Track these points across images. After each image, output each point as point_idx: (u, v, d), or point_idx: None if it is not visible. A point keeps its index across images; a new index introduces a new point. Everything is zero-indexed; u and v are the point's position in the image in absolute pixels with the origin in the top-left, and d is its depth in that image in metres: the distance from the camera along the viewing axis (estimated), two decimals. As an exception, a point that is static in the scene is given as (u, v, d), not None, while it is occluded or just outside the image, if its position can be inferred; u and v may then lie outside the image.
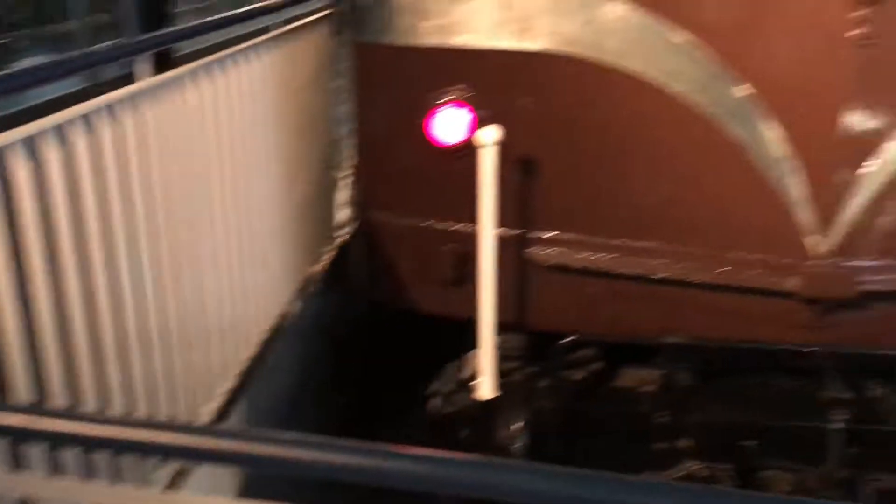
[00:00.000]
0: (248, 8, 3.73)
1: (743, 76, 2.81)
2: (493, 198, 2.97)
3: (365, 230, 3.67)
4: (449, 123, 3.18)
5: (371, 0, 3.31)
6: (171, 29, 3.86)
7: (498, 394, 3.13)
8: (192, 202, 2.81)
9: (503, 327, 3.25)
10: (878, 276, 2.90)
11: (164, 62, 3.04)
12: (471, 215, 3.05)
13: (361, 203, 3.71)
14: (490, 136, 2.92)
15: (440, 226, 3.35)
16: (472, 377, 3.35)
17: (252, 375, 3.31)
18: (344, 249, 4.25)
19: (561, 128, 3.08)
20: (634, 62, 2.91)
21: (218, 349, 3.04)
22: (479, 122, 3.09)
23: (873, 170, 2.80)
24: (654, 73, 2.90)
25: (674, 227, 3.06)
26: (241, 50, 3.18)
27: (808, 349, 2.98)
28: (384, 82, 3.41)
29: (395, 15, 3.21)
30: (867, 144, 2.78)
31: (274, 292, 3.71)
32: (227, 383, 3.08)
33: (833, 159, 2.80)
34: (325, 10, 4.15)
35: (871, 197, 2.82)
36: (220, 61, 2.98)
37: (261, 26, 4.27)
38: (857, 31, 2.64)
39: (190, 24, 3.61)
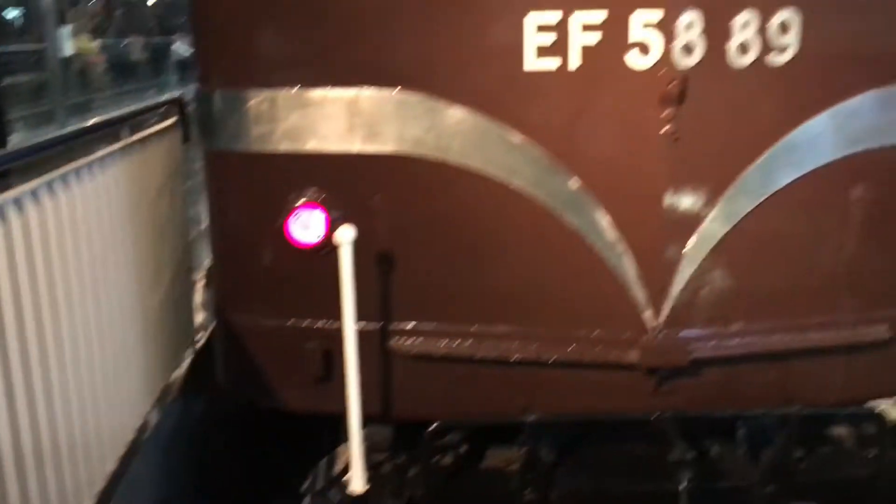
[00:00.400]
0: (89, 123, 3.74)
1: (573, 170, 3.09)
2: (352, 294, 3.09)
3: (227, 332, 3.67)
4: (305, 225, 3.28)
5: (221, 109, 3.40)
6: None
7: (369, 486, 3.18)
8: (41, 317, 2.77)
9: (371, 419, 3.32)
10: (707, 343, 3.20)
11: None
12: (333, 311, 3.15)
13: (222, 305, 3.72)
14: (346, 236, 3.05)
15: (303, 324, 3.41)
16: (344, 471, 3.39)
17: (112, 493, 3.21)
18: (205, 353, 4.21)
19: (415, 223, 3.25)
20: (477, 161, 3.14)
21: (73, 466, 2.95)
22: (334, 223, 3.23)
23: (693, 248, 3.12)
24: (496, 171, 3.13)
25: (525, 311, 3.27)
26: (86, 163, 3.19)
27: (653, 416, 3.22)
28: (240, 187, 3.48)
29: (246, 124, 3.32)
30: (685, 226, 3.10)
31: (133, 402, 3.63)
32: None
33: (658, 241, 3.10)
34: (173, 118, 4.22)
35: (694, 272, 3.14)
36: (64, 176, 2.99)
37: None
38: (666, 128, 2.99)
39: (24, 146, 3.61)
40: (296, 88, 3.23)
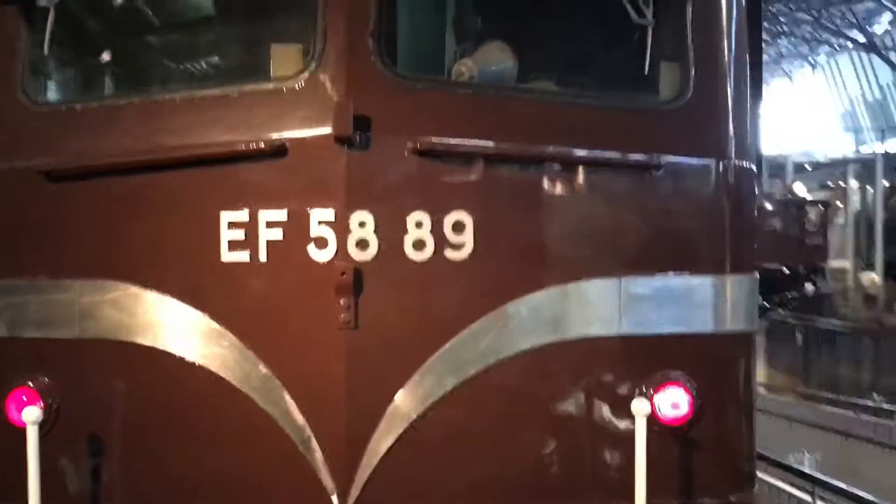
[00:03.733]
0: None
1: (262, 357, 3.22)
2: (36, 476, 3.12)
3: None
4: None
5: None
6: None
7: None
8: None
9: None
10: None
11: None
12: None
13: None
14: (30, 416, 3.14)
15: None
16: None
17: None
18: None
19: (113, 406, 3.35)
20: (176, 348, 3.29)
21: None
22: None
23: (378, 437, 3.19)
24: (196, 357, 3.28)
25: (225, 495, 3.28)
26: None
27: None
28: None
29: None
30: (368, 414, 3.19)
31: None
32: None
33: (341, 428, 3.17)
34: None
35: (380, 461, 3.18)
36: None
37: None
38: (342, 316, 3.16)
39: None
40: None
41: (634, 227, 3.45)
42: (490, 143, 3.30)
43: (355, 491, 3.17)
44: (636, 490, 3.14)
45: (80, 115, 3.54)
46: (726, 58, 3.70)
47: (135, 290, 3.33)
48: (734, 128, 3.69)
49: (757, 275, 3.81)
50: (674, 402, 3.40)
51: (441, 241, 3.24)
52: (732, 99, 3.72)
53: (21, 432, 3.31)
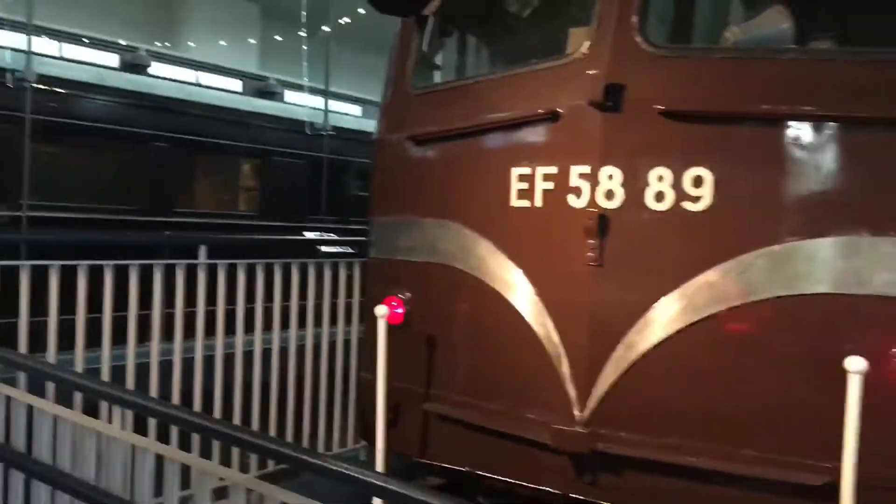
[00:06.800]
0: None
1: (534, 284, 3.98)
2: (384, 359, 4.38)
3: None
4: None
5: None
6: None
7: None
8: None
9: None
10: (619, 442, 3.67)
11: None
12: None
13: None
14: (380, 311, 4.40)
15: None
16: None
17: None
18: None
19: (442, 314, 4.43)
20: (479, 272, 4.24)
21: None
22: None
23: (615, 360, 3.71)
24: (491, 281, 4.19)
25: (494, 388, 4.15)
26: None
27: (584, 499, 3.78)
28: None
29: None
30: (608, 340, 3.72)
31: None
32: None
33: (585, 349, 3.77)
34: None
35: (614, 378, 3.70)
36: None
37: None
38: (590, 255, 3.74)
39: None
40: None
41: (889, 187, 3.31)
42: (730, 105, 3.53)
43: (592, 403, 3.75)
44: (844, 455, 3.11)
45: (440, 96, 4.72)
46: None
47: (458, 227, 4.37)
48: None
49: None
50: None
51: (680, 194, 3.60)
52: None
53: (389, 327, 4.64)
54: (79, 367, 5.38)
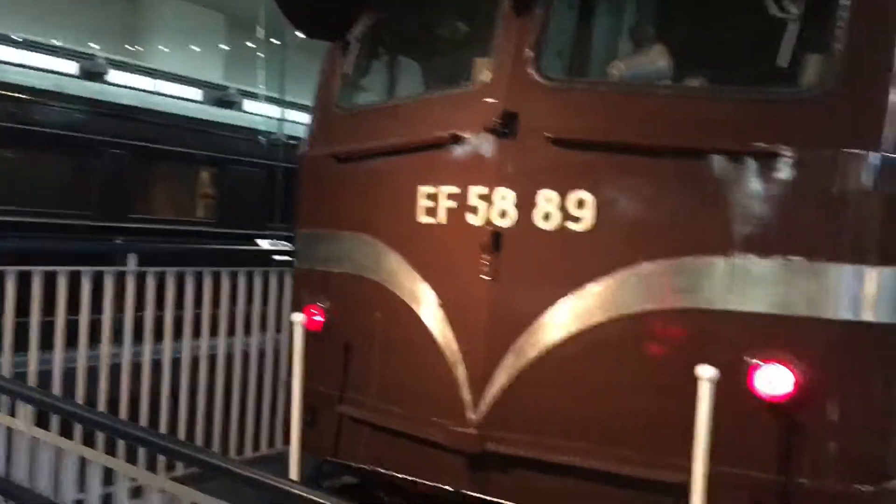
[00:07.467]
0: None
1: (440, 295, 4.28)
2: (300, 366, 4.65)
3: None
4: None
5: None
6: None
7: None
8: None
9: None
10: (506, 443, 3.98)
11: None
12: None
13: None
14: (298, 318, 4.67)
15: None
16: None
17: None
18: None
19: (356, 320, 4.72)
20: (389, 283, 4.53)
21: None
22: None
23: (505, 366, 4.01)
24: (399, 291, 4.48)
25: (395, 391, 4.45)
26: None
27: (475, 497, 4.07)
28: None
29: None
30: (501, 345, 4.02)
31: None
32: None
33: (480, 356, 4.07)
34: None
35: (505, 384, 4.00)
36: None
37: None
38: (485, 269, 4.05)
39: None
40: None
41: (749, 212, 3.65)
42: (610, 135, 3.87)
43: (484, 407, 4.05)
44: (695, 457, 3.42)
45: (360, 117, 5.02)
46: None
47: (372, 240, 4.66)
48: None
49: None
50: (772, 378, 3.54)
51: (565, 215, 3.92)
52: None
53: (311, 334, 4.90)
54: (6, 371, 5.56)
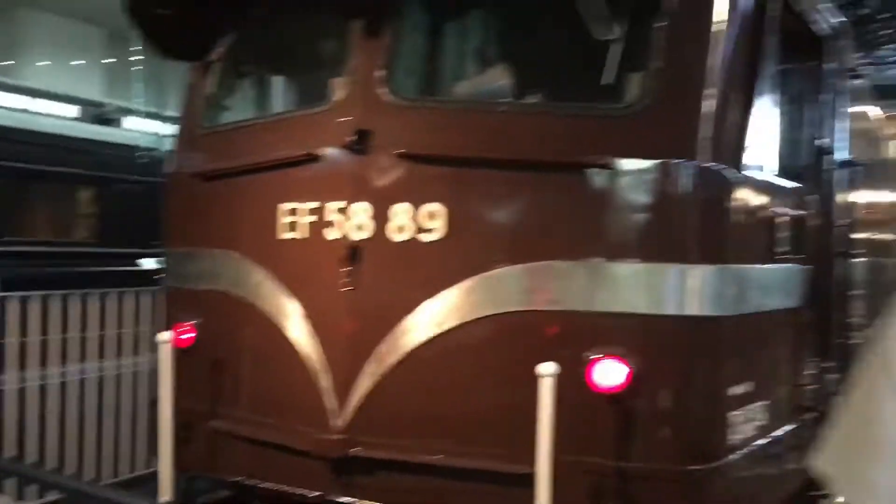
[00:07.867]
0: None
1: (304, 307, 4.41)
2: (168, 383, 4.70)
3: None
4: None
5: None
6: None
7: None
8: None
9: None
10: (372, 447, 4.15)
11: None
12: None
13: None
14: (164, 338, 4.71)
15: None
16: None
17: None
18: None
19: (224, 337, 4.80)
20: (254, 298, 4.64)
21: None
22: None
23: (367, 373, 4.18)
24: (264, 305, 4.59)
25: (264, 401, 4.56)
26: None
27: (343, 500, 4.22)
28: None
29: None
30: (362, 355, 4.19)
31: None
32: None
33: (342, 365, 4.22)
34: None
35: (368, 390, 4.17)
36: None
37: None
38: (344, 280, 4.22)
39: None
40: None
41: (587, 219, 3.95)
42: (457, 150, 4.11)
43: (347, 413, 4.20)
44: (539, 448, 3.68)
45: (223, 136, 5.11)
46: (705, 66, 3.98)
47: (237, 256, 4.76)
48: (713, 132, 3.95)
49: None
50: (607, 371, 3.83)
51: (418, 226, 4.13)
52: (717, 106, 3.97)
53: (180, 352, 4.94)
54: None
